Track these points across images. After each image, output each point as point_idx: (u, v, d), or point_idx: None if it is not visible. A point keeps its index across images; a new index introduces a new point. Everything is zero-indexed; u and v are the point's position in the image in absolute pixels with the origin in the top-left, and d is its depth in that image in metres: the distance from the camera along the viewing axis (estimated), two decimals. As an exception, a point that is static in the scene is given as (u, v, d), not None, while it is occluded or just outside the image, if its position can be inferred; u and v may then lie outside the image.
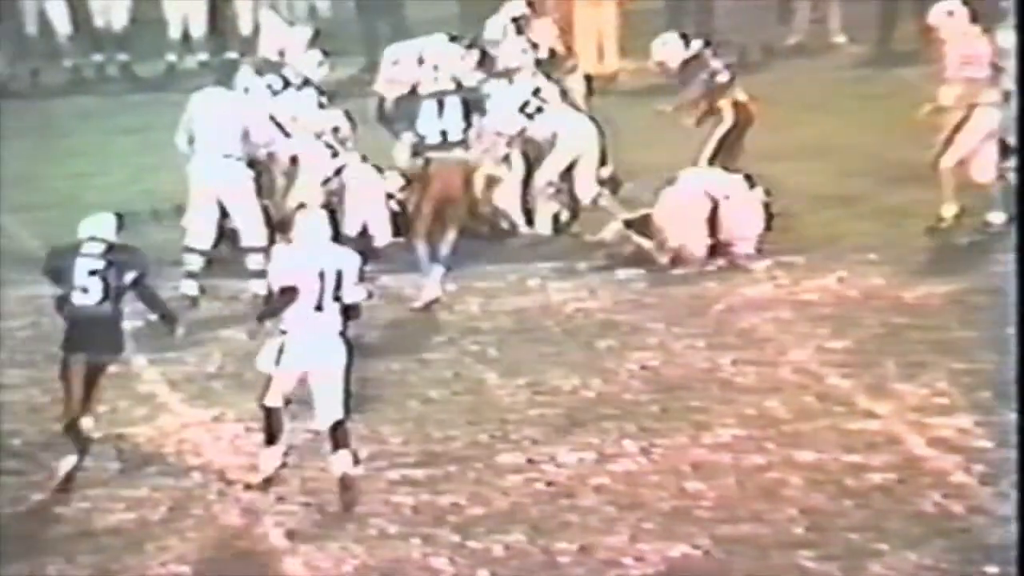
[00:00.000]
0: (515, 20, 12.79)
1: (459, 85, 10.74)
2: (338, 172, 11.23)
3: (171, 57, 15.97)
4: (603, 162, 11.82)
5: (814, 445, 8.52)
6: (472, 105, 10.69)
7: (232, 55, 14.99)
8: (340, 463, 8.20)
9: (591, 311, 10.51)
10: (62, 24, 15.91)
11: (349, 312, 8.34)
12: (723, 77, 11.87)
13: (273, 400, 8.32)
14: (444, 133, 10.60)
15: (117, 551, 7.74)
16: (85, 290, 8.76)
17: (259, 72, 11.37)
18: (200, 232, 10.76)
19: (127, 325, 10.00)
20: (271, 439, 8.31)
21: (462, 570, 7.59)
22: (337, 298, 8.31)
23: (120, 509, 8.11)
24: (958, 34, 11.36)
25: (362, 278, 8.38)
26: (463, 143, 10.63)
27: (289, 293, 8.26)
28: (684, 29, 15.60)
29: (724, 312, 10.37)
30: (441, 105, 10.62)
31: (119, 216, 9.00)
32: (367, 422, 8.91)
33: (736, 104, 11.77)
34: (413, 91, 10.92)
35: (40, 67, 15.95)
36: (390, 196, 11.46)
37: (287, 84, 11.41)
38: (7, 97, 15.51)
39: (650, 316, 10.35)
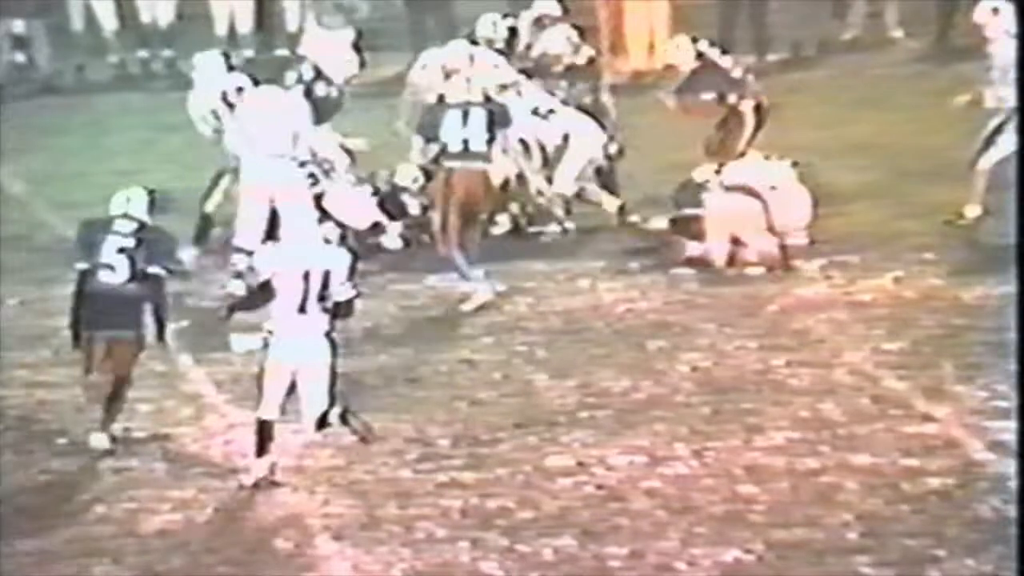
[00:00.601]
0: (537, 20, 12.82)
1: (487, 98, 10.80)
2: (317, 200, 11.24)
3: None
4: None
5: (870, 448, 8.47)
6: (497, 118, 10.73)
7: (282, 52, 15.07)
8: (334, 413, 8.37)
9: (642, 311, 10.47)
10: (108, 20, 15.98)
11: (339, 311, 8.40)
12: (737, 73, 11.81)
13: (268, 412, 8.37)
14: (466, 142, 10.65)
15: (163, 552, 7.76)
16: (112, 268, 8.88)
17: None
18: (249, 232, 10.77)
19: (172, 325, 10.15)
20: (261, 451, 8.36)
21: (511, 574, 7.58)
22: (322, 298, 8.36)
23: (166, 510, 8.14)
24: (1003, 33, 11.26)
25: (352, 277, 8.44)
26: (485, 154, 10.67)
27: (266, 290, 8.34)
28: (737, 23, 15.62)
29: (777, 313, 10.32)
30: (466, 115, 10.68)
31: (151, 192, 9.13)
32: (415, 424, 8.91)
33: (759, 107, 11.72)
34: (441, 99, 10.92)
35: (85, 63, 16.04)
36: (403, 189, 11.45)
37: (300, 79, 11.42)
38: (52, 93, 15.60)
39: (701, 317, 10.31)
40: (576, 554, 7.69)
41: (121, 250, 8.88)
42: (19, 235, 11.68)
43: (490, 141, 10.71)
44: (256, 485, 8.34)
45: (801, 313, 10.27)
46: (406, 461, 8.50)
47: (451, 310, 10.58)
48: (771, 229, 11.03)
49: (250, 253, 10.70)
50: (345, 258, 8.49)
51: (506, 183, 11.57)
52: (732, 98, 11.74)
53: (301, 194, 10.69)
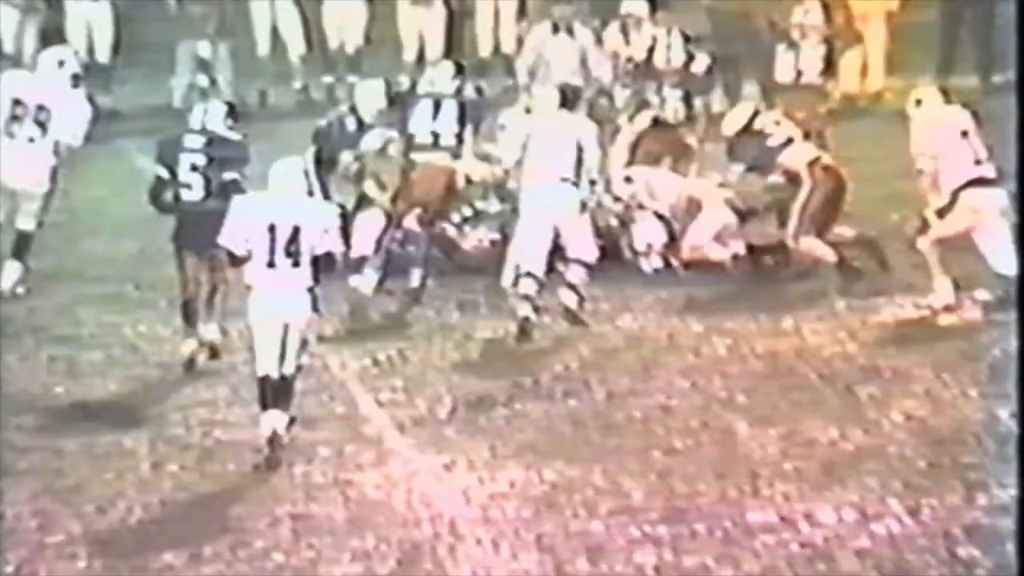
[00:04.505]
0: (623, 20, 12.73)
1: (458, 90, 11.22)
2: None
3: (403, 79, 16.12)
4: None
5: (1105, 510, 8.19)
6: (469, 111, 11.11)
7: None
8: (270, 421, 8.89)
9: (850, 355, 10.28)
10: (296, 45, 16.21)
11: (321, 265, 8.77)
12: (774, 141, 11.53)
13: (264, 368, 8.83)
14: (436, 135, 11.10)
15: (343, 605, 7.79)
16: (189, 186, 9.84)
17: None
18: (533, 257, 10.70)
19: (355, 365, 10.24)
20: (264, 407, 8.89)
21: (709, 638, 7.47)
22: (290, 253, 8.71)
23: (347, 560, 8.13)
24: None
25: (346, 236, 9.08)
26: (453, 148, 11.09)
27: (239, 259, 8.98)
28: (959, 41, 15.28)
29: (1001, 358, 10.05)
30: (437, 107, 11.09)
31: (231, 106, 10.14)
32: (606, 473, 8.81)
33: (813, 166, 11.41)
34: (412, 88, 11.55)
35: (269, 88, 16.27)
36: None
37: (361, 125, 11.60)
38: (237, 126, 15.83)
39: (916, 361, 10.09)
40: (779, 617, 7.57)
41: (194, 167, 9.77)
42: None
43: (460, 134, 11.08)
44: (271, 445, 8.84)
45: (1028, 359, 9.99)
46: (597, 513, 8.40)
47: (645, 353, 10.49)
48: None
49: (536, 278, 10.69)
50: (325, 212, 8.92)
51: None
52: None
53: (582, 218, 10.76)
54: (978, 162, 10.87)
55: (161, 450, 9.22)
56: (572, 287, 10.76)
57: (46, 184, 11.39)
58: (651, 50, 12.50)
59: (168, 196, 10.02)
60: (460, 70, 11.66)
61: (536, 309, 10.67)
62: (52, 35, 15.67)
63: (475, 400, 9.79)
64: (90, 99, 11.74)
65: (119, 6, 15.90)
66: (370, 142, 11.50)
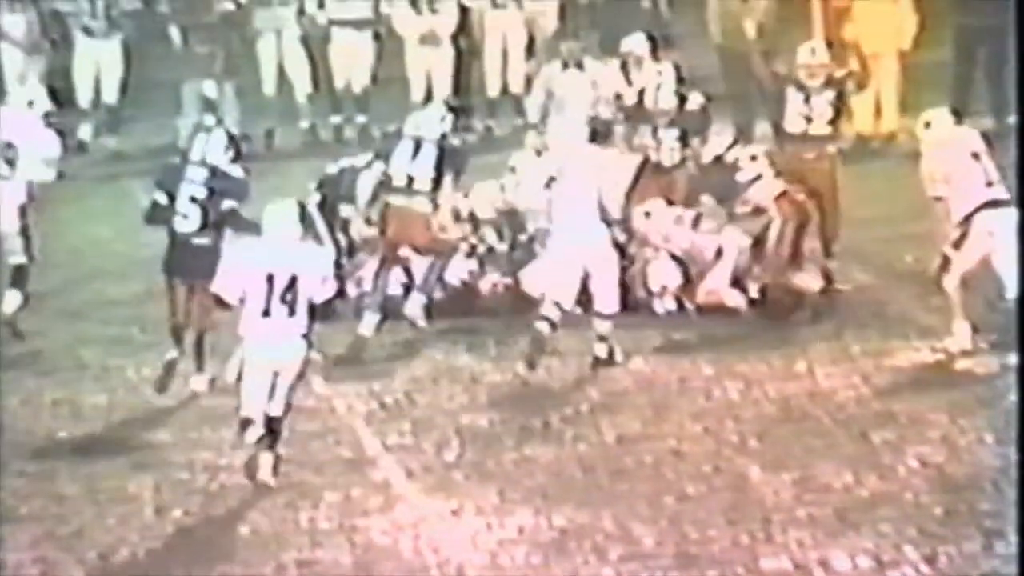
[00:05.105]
0: (624, 58, 12.72)
1: (443, 135, 11.16)
2: None
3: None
4: None
5: None
6: (447, 155, 11.09)
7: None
8: (255, 432, 8.96)
9: (865, 399, 10.22)
10: (302, 84, 16.21)
11: (318, 314, 8.82)
12: (743, 177, 11.55)
13: (247, 411, 8.94)
14: (411, 179, 11.06)
15: (349, 653, 7.74)
16: (186, 216, 10.06)
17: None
18: (562, 290, 10.73)
19: (362, 408, 10.19)
20: (244, 427, 8.98)
21: None
22: (285, 300, 8.70)
23: (352, 607, 8.13)
24: None
25: (339, 277, 9.20)
26: (428, 193, 11.05)
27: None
28: (973, 81, 15.26)
29: (1017, 403, 9.98)
30: (417, 149, 11.07)
31: (231, 136, 10.32)
32: (616, 519, 8.76)
33: (780, 200, 11.45)
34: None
35: (275, 127, 16.28)
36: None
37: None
38: (239, 158, 15.82)
39: (931, 406, 10.03)
40: (793, 667, 7.50)
41: (193, 199, 10.00)
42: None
43: (437, 179, 11.01)
44: (260, 442, 8.97)
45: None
46: (608, 560, 8.35)
47: (656, 396, 10.45)
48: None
49: (562, 308, 10.71)
50: (321, 257, 8.95)
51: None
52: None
53: (611, 257, 10.78)
54: (989, 184, 10.83)
55: (165, 494, 9.18)
56: (603, 339, 10.79)
57: (17, 222, 11.41)
58: (642, 92, 12.43)
59: (163, 219, 10.28)
60: (451, 111, 11.59)
61: (553, 326, 10.62)
62: (57, 76, 15.72)
63: (483, 444, 9.75)
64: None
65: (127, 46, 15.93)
66: (364, 187, 11.49)
